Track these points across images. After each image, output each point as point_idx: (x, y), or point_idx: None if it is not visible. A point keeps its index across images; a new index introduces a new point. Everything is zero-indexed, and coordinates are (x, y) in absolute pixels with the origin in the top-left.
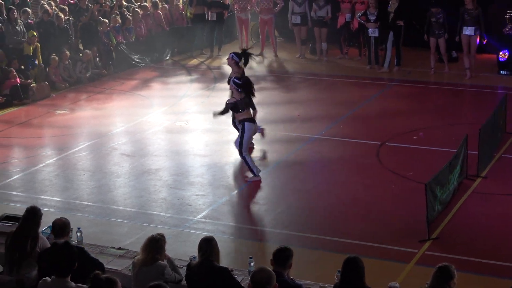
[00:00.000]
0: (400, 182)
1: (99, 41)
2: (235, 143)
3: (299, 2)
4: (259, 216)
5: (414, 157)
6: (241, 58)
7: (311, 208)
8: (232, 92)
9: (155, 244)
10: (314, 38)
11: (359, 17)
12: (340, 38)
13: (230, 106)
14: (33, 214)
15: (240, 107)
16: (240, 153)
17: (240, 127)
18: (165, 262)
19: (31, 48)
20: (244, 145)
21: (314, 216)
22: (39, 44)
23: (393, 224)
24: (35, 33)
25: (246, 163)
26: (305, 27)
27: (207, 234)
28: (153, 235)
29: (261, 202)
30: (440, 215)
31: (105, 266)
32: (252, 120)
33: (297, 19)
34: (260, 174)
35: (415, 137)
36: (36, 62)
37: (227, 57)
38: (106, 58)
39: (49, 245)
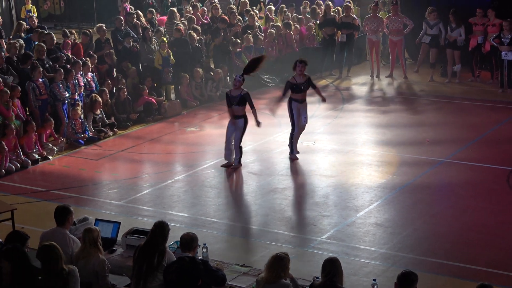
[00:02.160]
0: None
1: (230, 61)
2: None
3: (431, 24)
4: (384, 238)
5: None
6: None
7: (437, 233)
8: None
9: (280, 263)
10: (445, 60)
11: (493, 40)
12: (472, 60)
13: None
14: (161, 228)
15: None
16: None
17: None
18: (288, 281)
19: (161, 56)
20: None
21: (440, 241)
22: (170, 51)
23: None
24: (165, 39)
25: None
26: (435, 50)
27: (331, 255)
28: (277, 253)
29: (387, 225)
30: None
31: (229, 283)
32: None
33: (427, 39)
34: (384, 195)
35: None
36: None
37: (355, 78)
38: None
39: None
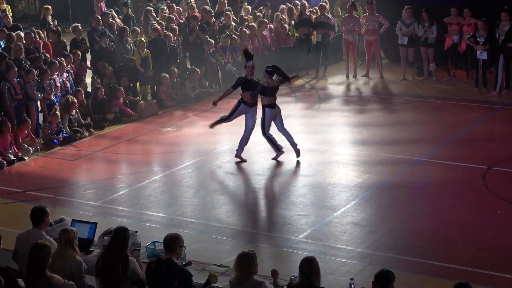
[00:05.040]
0: (507, 208)
1: (205, 61)
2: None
3: (407, 23)
4: (361, 237)
5: None
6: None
7: (414, 232)
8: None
9: (245, 259)
10: (420, 60)
11: (468, 39)
12: (447, 60)
13: (260, 88)
14: (122, 234)
15: (268, 92)
16: (264, 133)
17: (262, 111)
18: (261, 279)
19: (140, 57)
20: (266, 127)
21: (417, 239)
22: (149, 51)
23: (500, 250)
24: (143, 39)
25: (270, 141)
26: (412, 49)
27: (309, 254)
28: (243, 251)
29: (364, 224)
30: None
31: None
32: (273, 105)
33: (404, 40)
34: (361, 194)
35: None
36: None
37: (331, 77)
38: (212, 78)
39: (138, 267)
